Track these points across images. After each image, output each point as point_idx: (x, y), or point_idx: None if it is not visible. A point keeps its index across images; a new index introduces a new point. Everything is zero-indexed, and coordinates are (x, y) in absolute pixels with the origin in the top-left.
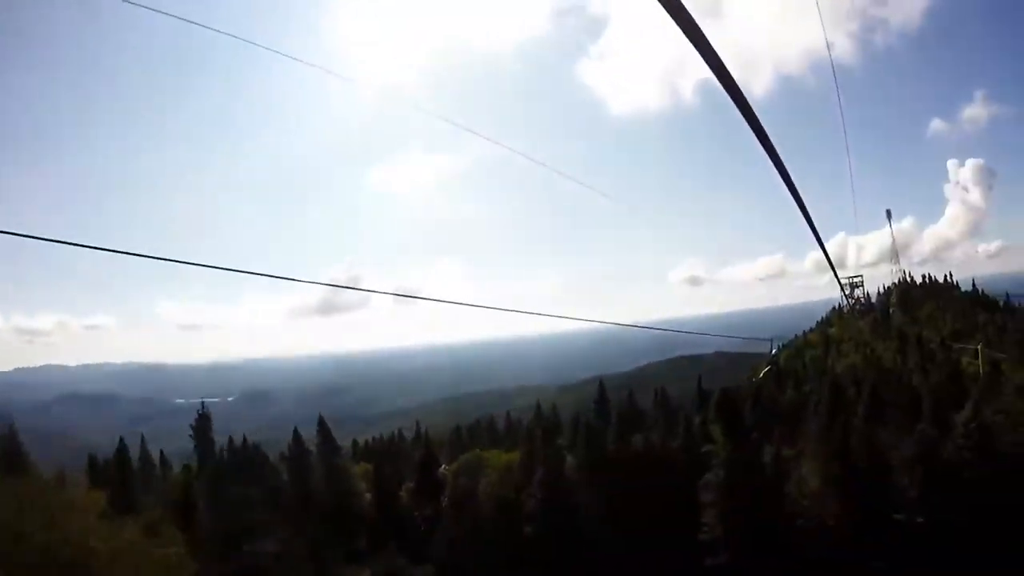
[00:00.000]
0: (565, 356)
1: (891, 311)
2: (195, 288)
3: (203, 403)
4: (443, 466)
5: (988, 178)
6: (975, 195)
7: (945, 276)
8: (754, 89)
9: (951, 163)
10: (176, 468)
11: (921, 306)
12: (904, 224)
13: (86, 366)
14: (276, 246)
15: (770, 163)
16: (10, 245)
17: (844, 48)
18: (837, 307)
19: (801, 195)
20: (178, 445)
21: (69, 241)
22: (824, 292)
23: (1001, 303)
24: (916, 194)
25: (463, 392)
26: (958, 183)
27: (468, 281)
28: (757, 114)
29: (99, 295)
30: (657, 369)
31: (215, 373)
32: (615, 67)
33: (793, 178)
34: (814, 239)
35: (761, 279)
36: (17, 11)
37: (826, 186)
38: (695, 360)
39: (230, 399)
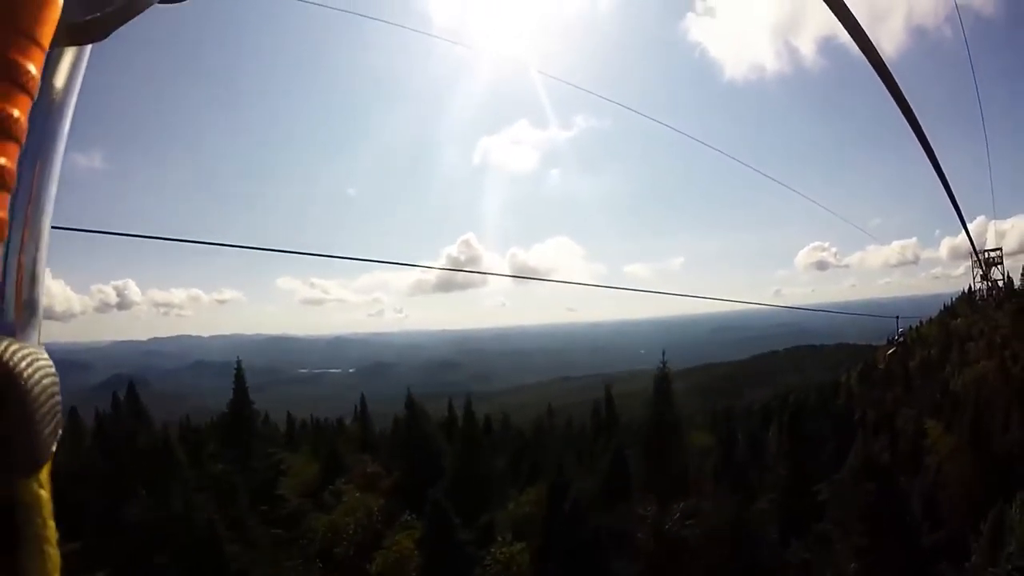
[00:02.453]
0: (676, 342)
1: None
2: (314, 266)
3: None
4: None
5: None
6: None
7: None
8: (883, 43)
9: None
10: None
11: None
12: None
13: (216, 336)
14: (393, 223)
15: (905, 129)
16: (144, 227)
17: None
18: (967, 290)
19: (939, 159)
20: (298, 410)
21: (203, 241)
22: (959, 283)
23: None
24: None
25: (574, 374)
26: None
27: (584, 260)
28: (889, 68)
29: (226, 272)
30: (774, 360)
31: (336, 345)
32: (727, 23)
33: (933, 147)
34: (952, 217)
35: (893, 265)
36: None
37: (967, 160)
38: (815, 351)
39: (350, 371)
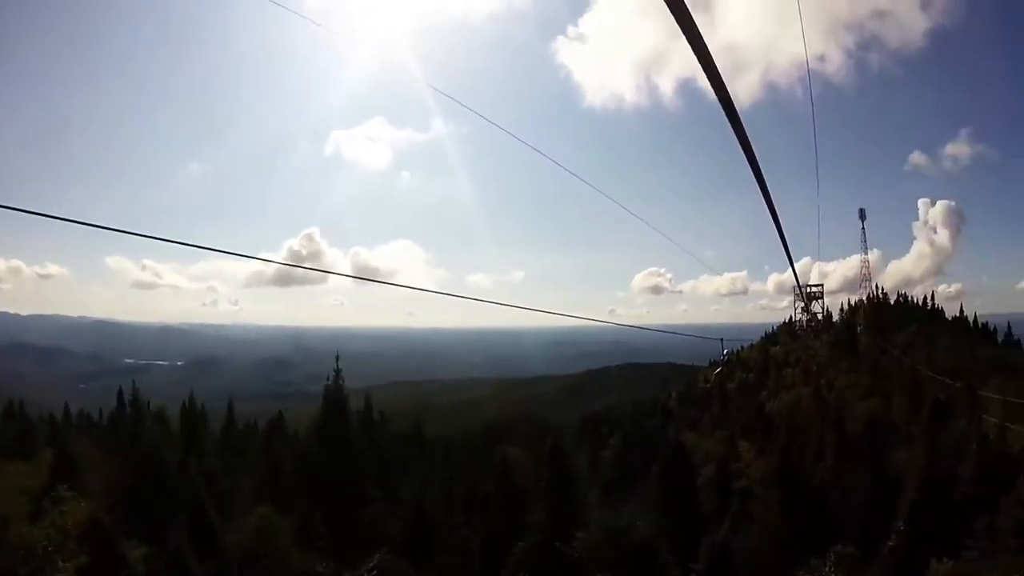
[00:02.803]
0: (512, 353)
1: (858, 330)
2: (148, 247)
3: None
4: None
5: (957, 220)
6: (942, 236)
7: (926, 297)
8: (739, 94)
9: (922, 202)
10: None
11: (897, 329)
12: (870, 256)
13: (38, 316)
14: (232, 208)
15: (747, 168)
16: None
17: (837, 63)
18: (789, 320)
19: (774, 202)
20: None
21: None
22: (783, 315)
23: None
24: (887, 225)
25: (409, 379)
26: (927, 222)
27: (427, 266)
28: (742, 117)
29: (52, 244)
30: (606, 375)
31: (166, 335)
32: (594, 52)
33: (770, 190)
34: (780, 255)
35: (723, 295)
36: None
37: (800, 208)
38: (645, 368)
39: (179, 363)
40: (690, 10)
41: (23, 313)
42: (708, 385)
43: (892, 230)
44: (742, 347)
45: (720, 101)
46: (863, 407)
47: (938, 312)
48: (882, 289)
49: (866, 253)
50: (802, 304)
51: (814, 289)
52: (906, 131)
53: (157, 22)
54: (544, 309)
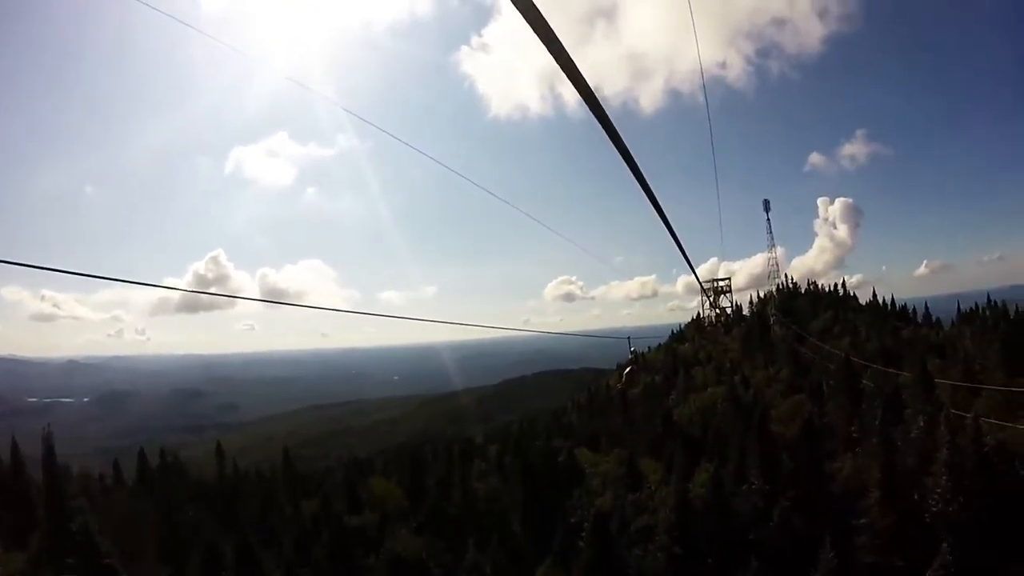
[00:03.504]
0: (430, 368)
1: (771, 321)
2: (45, 277)
3: None
4: None
5: (855, 216)
6: (842, 231)
7: (836, 285)
8: (642, 101)
9: (821, 200)
10: None
11: (812, 318)
12: (775, 252)
13: None
14: (133, 230)
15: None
16: None
17: (739, 70)
18: (697, 316)
19: (661, 203)
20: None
21: None
22: (695, 314)
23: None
24: (789, 225)
25: (327, 402)
26: (827, 219)
27: (337, 285)
28: (623, 136)
29: None
30: (523, 384)
31: (71, 370)
32: (498, 62)
33: (670, 196)
34: (683, 258)
35: (634, 299)
36: None
37: (705, 209)
38: (562, 375)
39: (85, 400)
40: (561, 41)
41: None
42: (620, 386)
43: (794, 228)
44: (649, 348)
45: (593, 113)
46: (787, 406)
47: (851, 298)
48: (792, 279)
49: (773, 244)
50: (709, 299)
51: (721, 283)
52: (805, 133)
53: (45, 36)
54: (460, 322)
